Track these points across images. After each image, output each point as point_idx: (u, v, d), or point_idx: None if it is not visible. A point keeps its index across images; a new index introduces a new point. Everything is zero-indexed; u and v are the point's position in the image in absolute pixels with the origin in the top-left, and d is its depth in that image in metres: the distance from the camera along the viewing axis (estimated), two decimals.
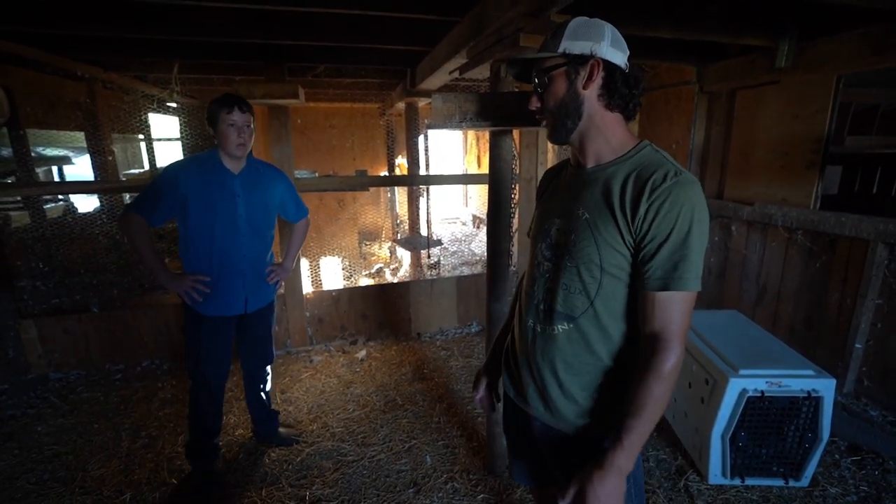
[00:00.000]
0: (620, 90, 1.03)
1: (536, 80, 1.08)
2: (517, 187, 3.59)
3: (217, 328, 2.13)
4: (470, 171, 9.93)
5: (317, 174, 3.91)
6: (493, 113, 1.81)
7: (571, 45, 1.01)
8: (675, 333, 0.95)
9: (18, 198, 3.62)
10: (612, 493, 0.95)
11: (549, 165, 2.15)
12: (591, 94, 1.03)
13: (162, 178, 1.99)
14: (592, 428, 1.09)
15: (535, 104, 1.10)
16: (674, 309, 0.95)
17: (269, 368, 2.45)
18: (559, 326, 1.08)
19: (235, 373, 3.04)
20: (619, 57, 1.03)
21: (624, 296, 1.03)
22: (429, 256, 5.51)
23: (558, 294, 1.07)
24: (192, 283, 2.02)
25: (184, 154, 5.11)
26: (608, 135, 1.05)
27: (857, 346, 2.57)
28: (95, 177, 4.23)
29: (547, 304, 1.10)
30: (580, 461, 1.02)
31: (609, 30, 1.03)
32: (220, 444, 2.48)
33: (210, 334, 2.12)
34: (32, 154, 3.74)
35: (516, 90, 1.96)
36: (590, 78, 1.02)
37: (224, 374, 2.21)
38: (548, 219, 1.14)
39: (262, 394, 2.45)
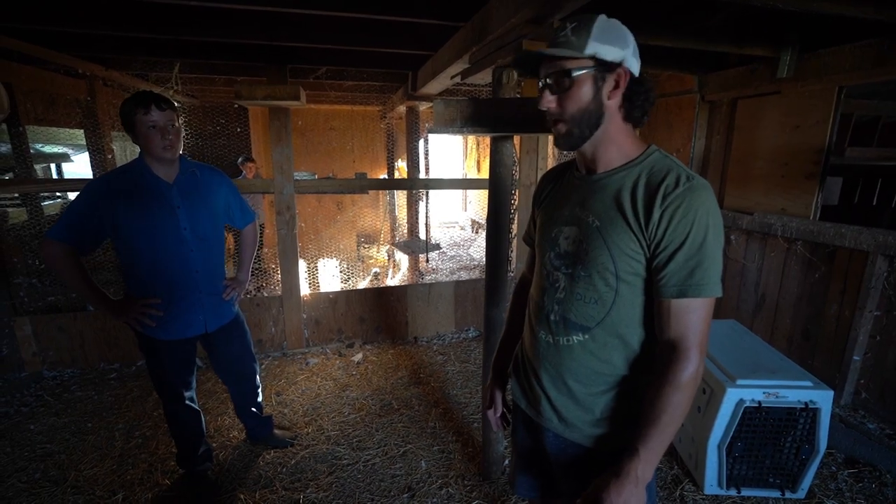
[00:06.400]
0: (639, 101, 1.00)
1: (552, 80, 0.99)
2: (517, 193, 3.58)
3: (179, 348, 1.98)
4: (469, 176, 9.95)
5: (316, 176, 3.91)
6: (495, 119, 1.81)
7: (601, 48, 0.94)
8: (693, 342, 0.93)
9: (16, 194, 3.61)
10: (629, 503, 0.93)
11: None
12: (613, 104, 0.99)
13: (82, 197, 1.75)
14: (608, 439, 1.06)
15: (550, 104, 1.01)
16: (691, 316, 0.93)
17: (257, 380, 2.35)
18: (574, 337, 1.05)
19: None
20: (637, 66, 0.99)
21: (641, 302, 1.00)
22: (427, 261, 5.51)
23: (572, 304, 1.05)
24: (141, 308, 1.82)
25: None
26: (620, 142, 1.02)
27: (856, 358, 2.56)
28: (94, 174, 4.23)
29: (560, 315, 1.07)
30: (596, 474, 0.99)
31: (632, 37, 0.98)
32: (214, 445, 2.47)
33: (172, 356, 1.97)
34: (31, 151, 3.73)
35: (518, 96, 1.96)
36: (616, 87, 0.98)
37: (194, 382, 2.13)
38: (554, 227, 1.11)
39: (253, 408, 2.39)
